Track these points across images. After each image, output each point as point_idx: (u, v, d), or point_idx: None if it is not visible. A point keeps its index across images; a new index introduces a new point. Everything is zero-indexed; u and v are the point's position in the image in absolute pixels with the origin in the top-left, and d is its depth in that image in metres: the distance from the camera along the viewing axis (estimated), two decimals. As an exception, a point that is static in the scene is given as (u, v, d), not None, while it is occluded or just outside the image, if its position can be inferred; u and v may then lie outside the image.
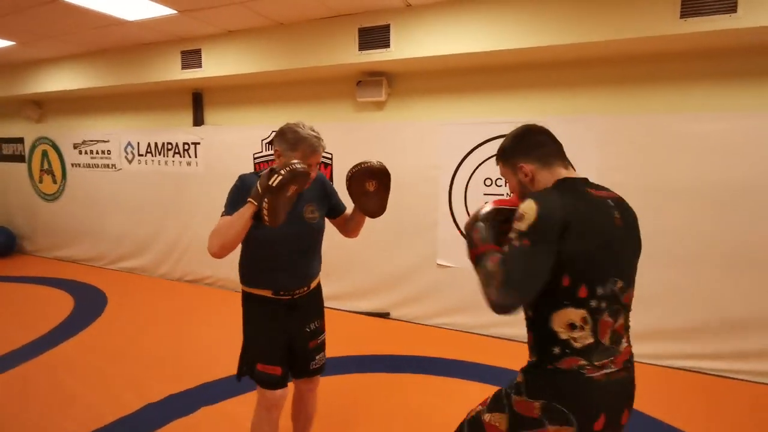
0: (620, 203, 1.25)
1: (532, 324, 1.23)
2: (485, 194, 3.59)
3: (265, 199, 1.48)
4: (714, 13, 2.50)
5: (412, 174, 3.78)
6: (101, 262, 5.68)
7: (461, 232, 3.66)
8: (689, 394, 2.82)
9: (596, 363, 1.13)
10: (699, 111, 2.97)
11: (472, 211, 1.36)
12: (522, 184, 1.29)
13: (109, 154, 5.44)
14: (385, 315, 4.06)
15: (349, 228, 1.96)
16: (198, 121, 4.84)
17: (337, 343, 3.47)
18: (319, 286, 1.94)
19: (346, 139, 4.03)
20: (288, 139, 1.68)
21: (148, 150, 5.16)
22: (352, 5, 3.29)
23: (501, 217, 1.28)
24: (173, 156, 5.00)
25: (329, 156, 4.13)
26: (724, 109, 2.91)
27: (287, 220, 1.59)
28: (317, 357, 1.91)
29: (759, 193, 2.83)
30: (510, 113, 3.47)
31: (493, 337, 3.62)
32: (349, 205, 1.97)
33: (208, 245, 1.58)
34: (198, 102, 4.82)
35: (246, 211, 1.53)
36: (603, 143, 3.18)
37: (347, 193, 1.80)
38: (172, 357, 3.27)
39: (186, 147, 4.90)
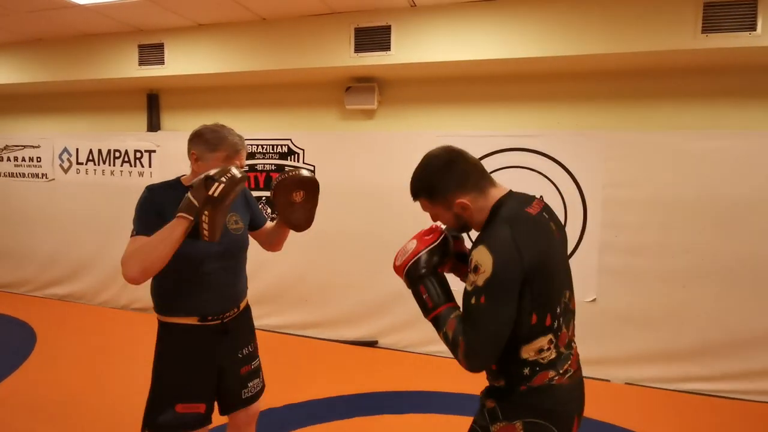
0: (549, 210, 1.23)
1: None
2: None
3: (205, 212, 1.30)
4: (734, 30, 2.48)
5: (404, 189, 3.48)
6: (25, 288, 4.82)
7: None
8: (695, 417, 2.73)
9: (561, 371, 1.16)
10: (708, 128, 2.95)
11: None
12: (458, 217, 1.22)
13: (40, 161, 4.68)
14: (372, 343, 3.69)
15: (271, 241, 1.86)
16: (153, 126, 4.26)
17: (322, 379, 3.05)
18: (248, 306, 1.79)
19: (332, 149, 3.67)
20: (207, 139, 1.53)
21: (90, 158, 4.48)
22: (350, 3, 2.98)
23: (438, 254, 1.21)
24: (122, 165, 4.36)
25: (311, 168, 3.74)
26: (733, 127, 2.90)
27: None
28: (250, 384, 1.75)
29: (764, 209, 2.83)
30: (514, 126, 3.29)
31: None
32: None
33: (125, 270, 1.34)
34: (153, 104, 4.25)
35: (177, 228, 1.31)
36: (609, 158, 3.08)
37: (274, 202, 1.66)
38: (128, 412, 2.63)
39: (138, 155, 4.29)
